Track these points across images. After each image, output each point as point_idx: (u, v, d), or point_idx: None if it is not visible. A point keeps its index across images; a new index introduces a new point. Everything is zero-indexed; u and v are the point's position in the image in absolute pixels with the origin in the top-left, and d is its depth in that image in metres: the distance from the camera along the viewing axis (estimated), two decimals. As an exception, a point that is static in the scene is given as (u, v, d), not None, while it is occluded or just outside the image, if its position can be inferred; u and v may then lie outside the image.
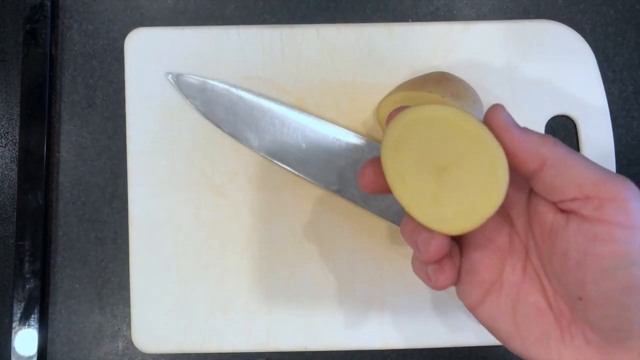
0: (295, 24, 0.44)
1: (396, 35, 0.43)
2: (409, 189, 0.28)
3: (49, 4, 0.44)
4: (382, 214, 0.42)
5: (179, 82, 0.43)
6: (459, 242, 0.30)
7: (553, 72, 0.43)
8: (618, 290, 0.24)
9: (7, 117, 0.45)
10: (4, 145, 0.45)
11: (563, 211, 0.27)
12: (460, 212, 0.27)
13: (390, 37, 0.43)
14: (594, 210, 0.25)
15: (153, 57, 0.43)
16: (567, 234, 0.26)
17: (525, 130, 0.27)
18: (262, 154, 0.42)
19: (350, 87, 0.43)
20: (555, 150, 0.26)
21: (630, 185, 0.25)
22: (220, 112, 0.42)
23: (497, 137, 0.26)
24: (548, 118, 0.43)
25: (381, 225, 0.42)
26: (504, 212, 0.30)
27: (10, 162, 0.45)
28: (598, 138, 0.43)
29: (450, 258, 0.29)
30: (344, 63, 0.43)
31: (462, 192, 0.27)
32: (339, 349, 0.43)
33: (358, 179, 0.30)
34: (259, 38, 0.43)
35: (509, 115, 0.27)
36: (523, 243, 0.29)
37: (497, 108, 0.27)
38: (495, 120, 0.27)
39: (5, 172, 0.44)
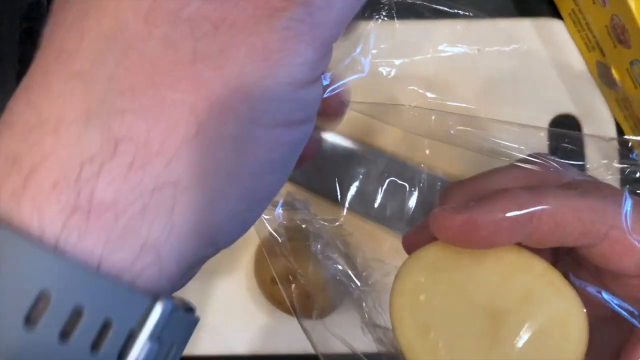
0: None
1: (396, 35, 0.43)
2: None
3: (45, 2, 0.44)
4: (381, 221, 0.41)
5: None
6: None
7: (556, 70, 0.43)
8: None
9: (5, 117, 0.45)
10: (1, 144, 0.45)
11: None
12: None
13: (390, 37, 0.43)
14: None
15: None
16: None
17: None
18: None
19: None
20: None
21: None
22: None
23: None
24: (551, 117, 0.42)
25: (383, 227, 0.42)
26: None
27: (8, 162, 0.44)
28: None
29: None
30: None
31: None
32: (338, 351, 0.42)
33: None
34: (257, 36, 0.43)
35: None
36: None
37: None
38: None
39: (3, 172, 0.44)
